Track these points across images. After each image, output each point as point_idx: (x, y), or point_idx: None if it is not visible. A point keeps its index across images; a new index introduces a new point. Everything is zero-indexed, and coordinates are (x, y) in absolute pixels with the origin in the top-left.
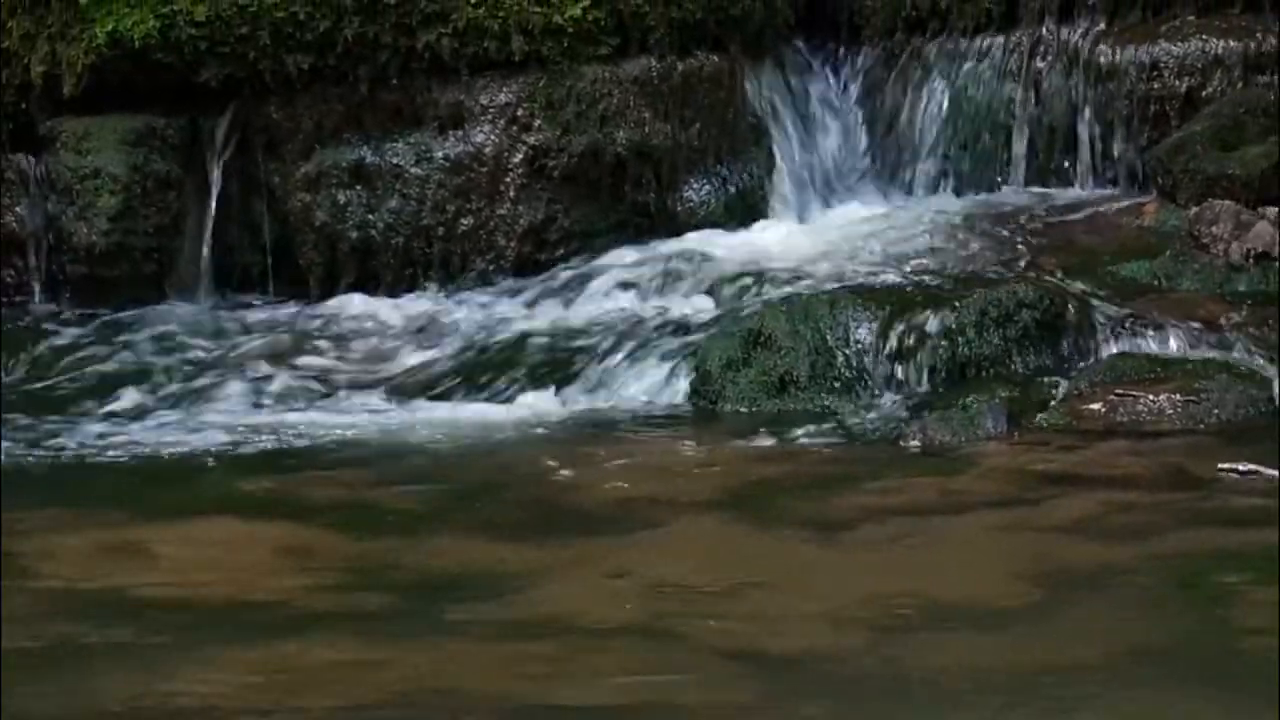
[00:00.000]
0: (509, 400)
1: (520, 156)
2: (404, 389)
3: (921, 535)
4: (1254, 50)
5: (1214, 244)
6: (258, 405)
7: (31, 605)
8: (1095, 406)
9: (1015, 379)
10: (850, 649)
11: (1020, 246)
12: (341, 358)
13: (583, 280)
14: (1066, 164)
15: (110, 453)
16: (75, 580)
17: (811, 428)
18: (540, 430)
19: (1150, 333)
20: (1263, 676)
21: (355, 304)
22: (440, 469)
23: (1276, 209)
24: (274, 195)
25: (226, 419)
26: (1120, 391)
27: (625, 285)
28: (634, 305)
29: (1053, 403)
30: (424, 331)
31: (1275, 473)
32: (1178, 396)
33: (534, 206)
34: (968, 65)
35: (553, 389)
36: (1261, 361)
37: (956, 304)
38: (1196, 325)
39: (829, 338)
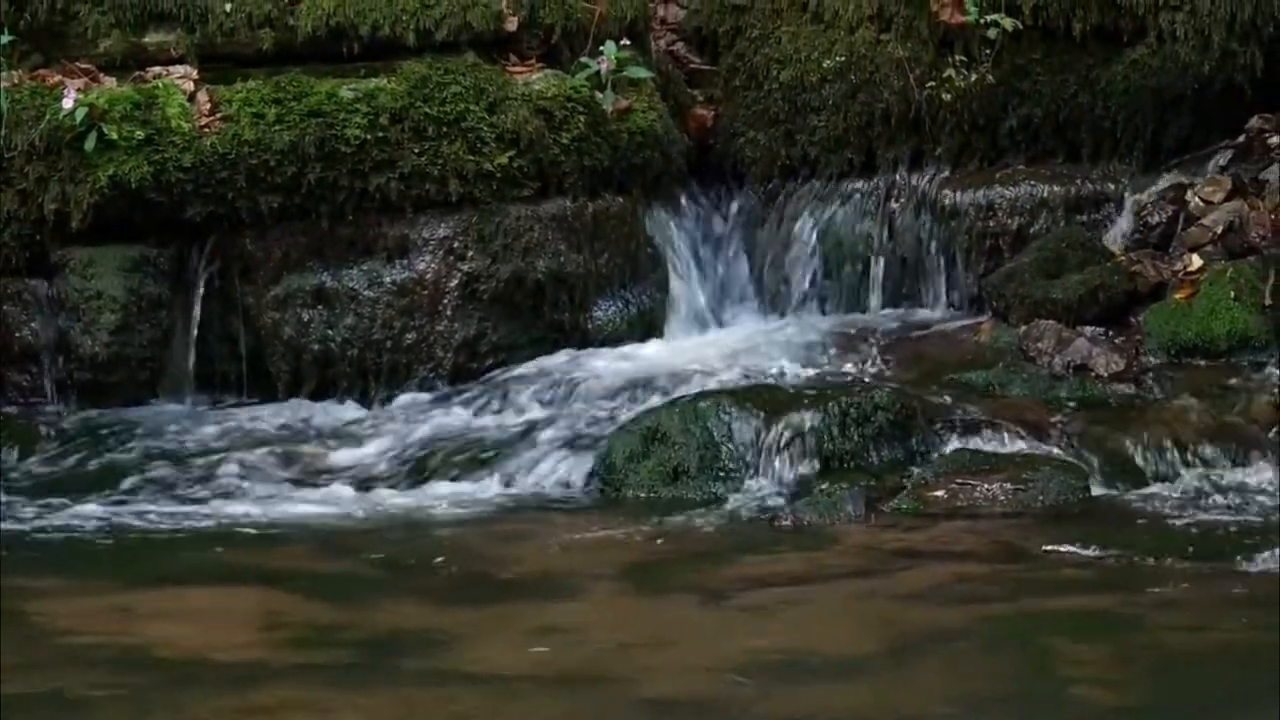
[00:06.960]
0: (442, 488)
1: (456, 281)
2: (354, 479)
3: (791, 601)
4: (1074, 194)
5: (1039, 357)
6: (230, 492)
7: (28, 659)
8: (939, 493)
9: (872, 470)
10: (732, 695)
11: (877, 358)
12: (299, 452)
13: (504, 387)
14: (917, 289)
15: (105, 530)
16: (69, 637)
17: (700, 510)
18: (468, 513)
19: (986, 431)
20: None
21: (315, 407)
22: (384, 546)
23: (1091, 328)
24: (248, 313)
25: (204, 503)
26: (960, 480)
27: (540, 391)
28: (548, 409)
29: (903, 490)
30: (371, 431)
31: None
32: (1009, 485)
33: (467, 324)
34: (833, 206)
35: (478, 479)
36: (1078, 456)
37: (823, 406)
38: (1025, 425)
39: (715, 434)
